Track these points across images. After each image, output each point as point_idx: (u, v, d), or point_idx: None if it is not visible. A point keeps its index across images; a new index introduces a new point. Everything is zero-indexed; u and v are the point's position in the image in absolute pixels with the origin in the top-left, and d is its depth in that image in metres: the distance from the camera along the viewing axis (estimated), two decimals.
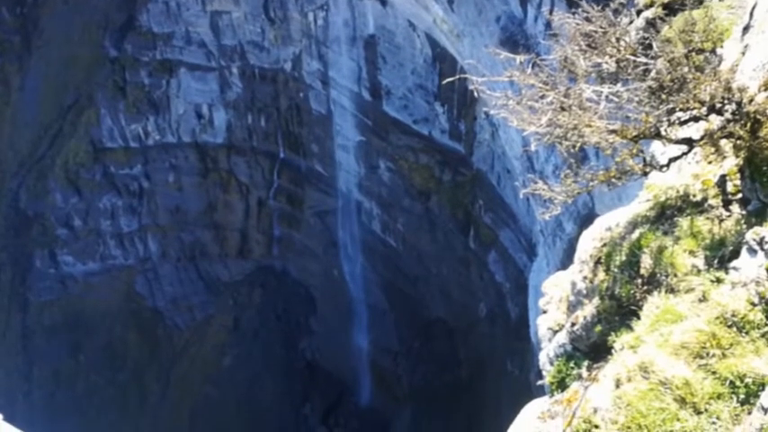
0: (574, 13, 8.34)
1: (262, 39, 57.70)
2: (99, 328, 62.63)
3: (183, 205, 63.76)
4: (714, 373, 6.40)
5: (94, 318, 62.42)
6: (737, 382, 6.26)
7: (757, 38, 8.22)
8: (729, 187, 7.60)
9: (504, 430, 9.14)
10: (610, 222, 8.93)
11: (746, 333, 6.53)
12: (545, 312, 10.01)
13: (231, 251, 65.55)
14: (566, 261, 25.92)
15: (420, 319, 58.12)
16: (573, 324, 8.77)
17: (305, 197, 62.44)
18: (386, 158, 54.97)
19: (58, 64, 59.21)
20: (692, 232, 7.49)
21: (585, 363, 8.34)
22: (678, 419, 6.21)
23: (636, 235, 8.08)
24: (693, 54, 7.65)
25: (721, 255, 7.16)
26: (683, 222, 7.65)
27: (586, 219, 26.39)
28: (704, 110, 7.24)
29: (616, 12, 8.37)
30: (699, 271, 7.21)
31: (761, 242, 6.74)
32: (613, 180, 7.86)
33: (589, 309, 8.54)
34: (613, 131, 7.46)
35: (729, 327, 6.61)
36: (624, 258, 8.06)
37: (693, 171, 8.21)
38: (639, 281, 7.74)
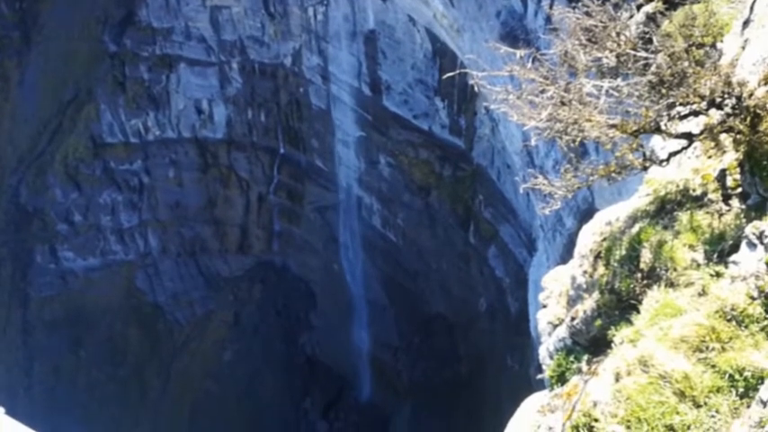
0: (574, 8, 8.34)
1: (261, 34, 57.62)
2: (99, 323, 62.67)
3: (184, 201, 63.75)
4: (713, 366, 6.42)
5: (95, 313, 62.46)
6: (737, 376, 6.28)
7: (757, 32, 8.22)
8: (729, 182, 7.61)
9: (505, 425, 9.17)
10: (610, 217, 8.95)
11: (746, 327, 6.55)
12: (545, 307, 10.03)
13: (231, 246, 65.56)
14: (566, 256, 25.93)
15: (420, 314, 58.17)
16: (573, 318, 8.79)
17: (305, 192, 62.43)
18: (386, 153, 54.95)
19: (57, 59, 59.13)
20: (691, 227, 7.50)
21: (585, 357, 8.36)
22: (677, 413, 6.24)
23: (636, 229, 8.10)
24: (693, 48, 7.65)
25: (721, 249, 7.18)
26: (683, 217, 7.67)
27: (586, 213, 26.41)
28: (704, 104, 7.25)
29: (616, 6, 8.38)
30: (698, 265, 7.23)
31: (760, 236, 6.75)
32: (613, 175, 7.88)
33: (589, 303, 8.56)
34: (613, 126, 7.47)
35: (729, 321, 6.63)
36: (624, 253, 8.07)
37: (693, 165, 8.22)
38: (639, 275, 7.76)
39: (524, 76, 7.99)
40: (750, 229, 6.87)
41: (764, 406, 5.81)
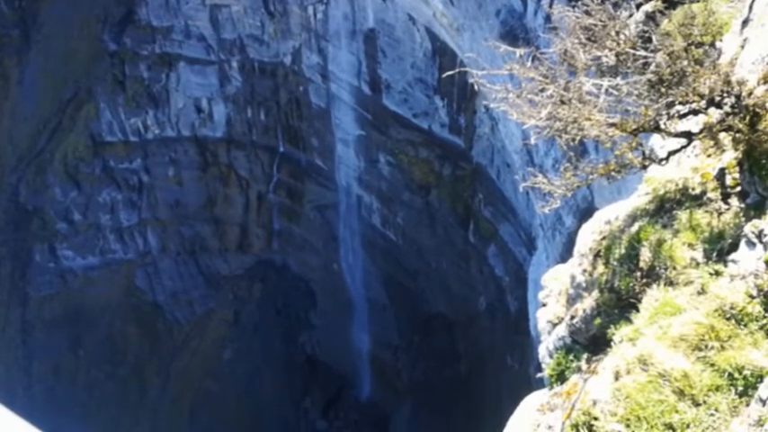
0: (573, 7, 8.35)
1: (261, 32, 57.60)
2: (99, 322, 62.67)
3: (183, 199, 63.74)
4: (713, 365, 6.42)
5: (94, 312, 62.46)
6: (736, 375, 6.29)
7: (756, 31, 8.23)
8: (728, 180, 7.61)
9: (504, 423, 9.17)
10: (609, 216, 8.95)
11: (745, 325, 6.56)
12: (544, 305, 10.04)
13: (231, 245, 65.57)
14: (565, 254, 25.95)
15: (420, 313, 58.19)
16: (572, 317, 8.80)
17: (305, 191, 62.43)
18: (385, 152, 54.95)
19: (57, 58, 59.11)
20: (690, 225, 7.51)
21: (585, 355, 8.37)
22: (677, 411, 6.24)
23: (635, 228, 8.10)
24: (693, 47, 7.66)
25: (720, 248, 7.18)
26: (682, 215, 7.67)
27: (586, 212, 26.42)
28: (703, 103, 7.25)
29: (615, 5, 8.38)
30: (698, 264, 7.23)
31: (759, 235, 6.76)
32: (613, 173, 7.88)
33: (588, 302, 8.56)
34: (613, 125, 7.47)
35: (728, 319, 6.63)
36: (623, 251, 8.08)
37: (692, 164, 8.22)
38: (638, 274, 7.77)
39: (524, 74, 7.99)
40: (749, 228, 6.87)
41: (763, 404, 5.82)
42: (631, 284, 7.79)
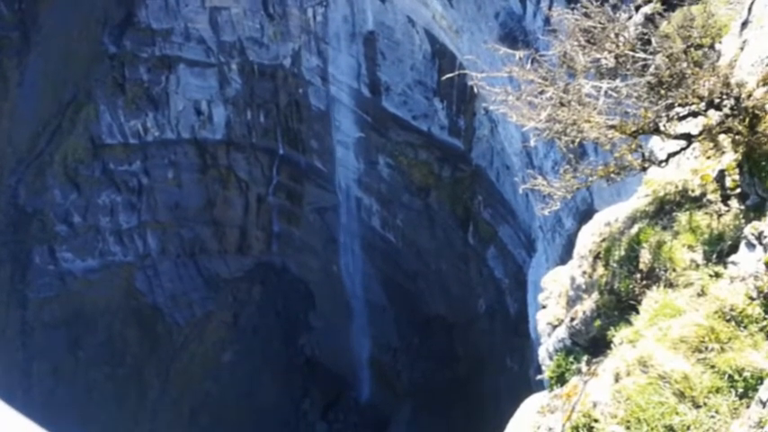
0: (573, 9, 8.36)
1: (261, 35, 57.63)
2: (98, 324, 62.63)
3: (183, 201, 63.73)
4: (713, 367, 6.42)
5: (94, 314, 62.42)
6: (736, 376, 6.29)
7: (756, 33, 8.24)
8: (728, 182, 7.62)
9: (504, 425, 9.17)
10: (609, 218, 8.96)
11: (745, 327, 6.56)
12: (544, 307, 10.04)
13: (230, 247, 65.55)
14: (565, 256, 25.95)
15: (419, 315, 58.17)
16: (572, 319, 8.80)
17: (304, 193, 62.42)
18: (385, 154, 54.96)
19: (56, 60, 59.12)
20: (690, 227, 7.51)
21: (585, 357, 8.37)
22: (677, 413, 6.24)
23: (635, 230, 8.11)
24: (692, 49, 7.66)
25: (720, 249, 7.19)
26: (682, 217, 7.68)
27: (585, 214, 26.41)
28: (703, 105, 7.26)
29: (615, 7, 8.39)
30: (697, 265, 7.24)
31: (759, 237, 6.76)
32: (612, 175, 7.89)
33: (588, 303, 8.57)
34: (612, 127, 7.48)
35: (728, 321, 6.64)
36: (623, 253, 8.08)
37: (692, 166, 8.23)
38: (638, 276, 7.77)
39: (523, 77, 8.00)
40: (749, 230, 6.88)
41: (764, 406, 5.82)
42: (631, 286, 7.79)
